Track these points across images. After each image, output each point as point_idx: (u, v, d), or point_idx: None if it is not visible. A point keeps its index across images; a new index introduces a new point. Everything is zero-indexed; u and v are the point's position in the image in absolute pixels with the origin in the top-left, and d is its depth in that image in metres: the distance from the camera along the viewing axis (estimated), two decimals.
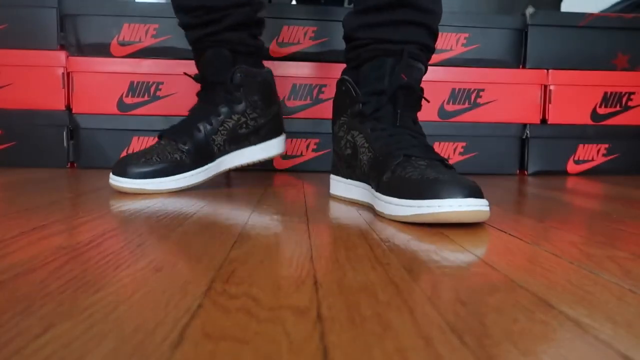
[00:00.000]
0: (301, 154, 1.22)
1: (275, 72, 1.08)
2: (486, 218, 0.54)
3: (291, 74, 1.20)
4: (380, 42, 0.69)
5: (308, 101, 1.21)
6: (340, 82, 0.73)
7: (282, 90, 1.19)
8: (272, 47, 1.21)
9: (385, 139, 0.66)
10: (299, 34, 1.21)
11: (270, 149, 0.88)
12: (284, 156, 1.21)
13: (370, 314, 0.29)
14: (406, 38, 0.68)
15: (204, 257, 0.41)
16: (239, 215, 0.61)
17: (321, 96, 1.21)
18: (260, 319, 0.28)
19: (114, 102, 1.18)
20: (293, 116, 1.21)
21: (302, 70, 1.20)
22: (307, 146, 1.22)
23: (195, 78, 0.86)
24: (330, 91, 1.20)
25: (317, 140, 1.22)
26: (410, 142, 0.64)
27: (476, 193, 0.54)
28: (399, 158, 0.61)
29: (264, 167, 1.20)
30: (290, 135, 1.19)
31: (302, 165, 1.22)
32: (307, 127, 1.21)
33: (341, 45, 0.77)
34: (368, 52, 0.70)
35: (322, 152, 1.22)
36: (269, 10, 1.18)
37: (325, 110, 1.21)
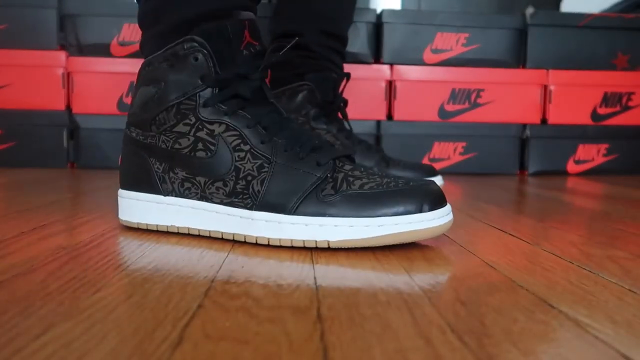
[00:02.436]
0: None
1: None
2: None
3: None
4: None
5: None
6: None
7: None
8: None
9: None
10: None
11: None
12: None
13: (370, 314, 0.29)
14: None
15: (205, 257, 0.41)
16: None
17: None
18: (260, 319, 0.28)
19: (114, 102, 1.18)
20: None
21: None
22: None
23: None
24: None
25: None
26: None
27: (443, 198, 0.46)
28: (327, 165, 0.47)
29: None
30: None
31: None
32: None
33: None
34: None
35: None
36: None
37: None
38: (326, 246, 0.43)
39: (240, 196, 0.45)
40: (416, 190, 0.44)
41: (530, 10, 1.24)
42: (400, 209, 0.43)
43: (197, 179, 0.47)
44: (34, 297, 0.31)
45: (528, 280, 0.36)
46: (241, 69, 0.47)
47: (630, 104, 1.28)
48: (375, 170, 0.48)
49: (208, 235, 0.47)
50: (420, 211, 0.43)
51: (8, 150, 1.17)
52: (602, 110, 1.27)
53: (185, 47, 0.47)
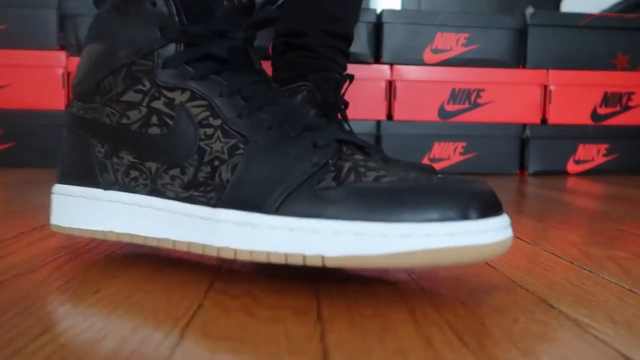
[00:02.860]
0: None
1: None
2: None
3: None
4: None
5: None
6: None
7: None
8: None
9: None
10: None
11: None
12: None
13: (371, 314, 0.29)
14: None
15: (206, 256, 0.41)
16: None
17: None
18: (260, 319, 0.28)
19: None
20: None
21: None
22: None
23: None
24: None
25: None
26: None
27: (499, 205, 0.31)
28: (325, 147, 0.35)
29: None
30: None
31: None
32: None
33: None
34: None
35: None
36: None
37: None
38: (319, 264, 0.29)
39: (202, 188, 0.33)
40: (458, 188, 0.30)
41: (530, 10, 1.24)
42: (435, 213, 0.28)
43: (147, 164, 0.35)
44: (34, 297, 0.31)
45: (528, 280, 0.36)
46: (218, 24, 0.36)
47: (630, 104, 1.28)
48: (393, 165, 0.35)
49: (156, 245, 0.35)
50: (466, 218, 0.29)
51: (8, 150, 1.17)
52: (602, 110, 1.27)
53: None
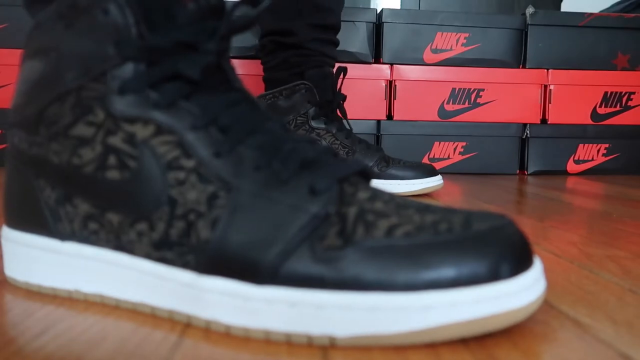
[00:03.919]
0: None
1: None
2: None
3: None
4: None
5: None
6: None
7: None
8: None
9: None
10: None
11: None
12: None
13: None
14: None
15: None
16: None
17: None
18: None
19: None
20: None
21: None
22: None
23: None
24: None
25: None
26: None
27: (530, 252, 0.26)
28: (321, 194, 0.27)
29: None
30: None
31: None
32: None
33: None
34: None
35: None
36: None
37: None
38: (328, 344, 0.25)
39: (177, 249, 0.27)
40: (486, 237, 0.25)
41: (530, 10, 1.24)
42: (460, 275, 0.24)
43: (108, 216, 0.28)
44: (34, 297, 0.31)
45: None
46: (185, 32, 0.28)
47: (630, 103, 1.28)
48: (401, 200, 0.28)
49: (132, 308, 0.29)
50: (497, 278, 0.24)
51: None
52: (602, 110, 1.27)
53: None
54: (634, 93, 1.27)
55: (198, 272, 0.26)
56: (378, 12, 1.23)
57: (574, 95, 1.26)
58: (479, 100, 1.23)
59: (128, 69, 0.28)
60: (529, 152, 1.25)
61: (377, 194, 0.28)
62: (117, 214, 0.28)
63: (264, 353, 0.24)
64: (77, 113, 0.29)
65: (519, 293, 0.24)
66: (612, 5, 1.54)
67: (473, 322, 0.24)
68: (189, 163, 0.27)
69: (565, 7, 1.88)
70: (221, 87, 0.30)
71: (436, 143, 1.23)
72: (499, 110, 1.24)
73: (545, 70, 1.24)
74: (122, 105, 0.28)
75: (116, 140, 0.28)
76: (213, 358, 0.23)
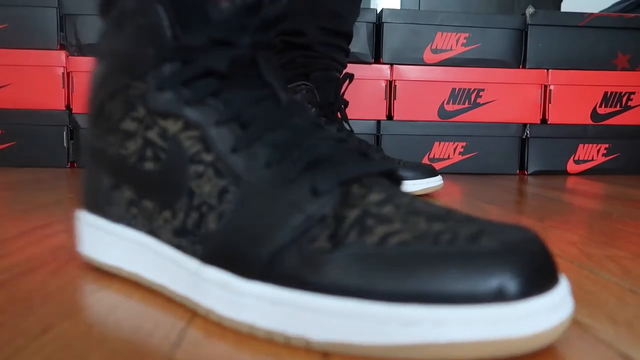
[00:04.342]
0: None
1: None
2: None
3: None
4: None
5: None
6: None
7: None
8: None
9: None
10: None
11: None
12: None
13: None
14: None
15: None
16: None
17: None
18: None
19: None
20: None
21: None
22: None
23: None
24: None
25: None
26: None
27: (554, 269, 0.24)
28: (321, 195, 0.26)
29: None
30: None
31: None
32: None
33: None
34: None
35: None
36: None
37: None
38: (304, 345, 0.24)
39: (190, 237, 0.28)
40: (493, 251, 0.22)
41: (530, 10, 1.24)
42: (454, 291, 0.22)
43: (144, 203, 0.31)
44: (34, 297, 0.31)
45: None
46: (217, 30, 0.29)
47: (630, 104, 1.28)
48: (426, 205, 0.26)
49: (160, 290, 0.31)
50: (501, 298, 0.21)
51: (8, 150, 1.17)
52: (602, 110, 1.27)
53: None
54: (634, 93, 1.27)
55: (203, 262, 0.28)
56: (378, 12, 1.23)
57: (574, 95, 1.26)
58: (479, 100, 1.23)
59: (165, 68, 0.30)
60: (529, 152, 1.25)
61: (393, 197, 0.26)
62: (151, 201, 0.31)
63: (264, 353, 0.24)
64: (124, 109, 0.31)
65: (527, 317, 0.21)
66: (612, 5, 1.54)
67: (463, 345, 0.21)
68: (208, 157, 0.28)
69: (565, 7, 1.88)
70: (250, 82, 0.30)
71: (436, 143, 1.23)
72: (499, 110, 1.24)
73: (545, 70, 1.24)
74: (158, 102, 0.30)
75: (152, 134, 0.30)
76: (213, 358, 0.23)
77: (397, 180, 0.30)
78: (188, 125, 0.29)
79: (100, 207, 0.34)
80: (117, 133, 0.32)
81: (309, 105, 0.82)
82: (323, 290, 0.23)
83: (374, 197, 0.26)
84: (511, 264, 0.22)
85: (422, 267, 0.22)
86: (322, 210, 0.25)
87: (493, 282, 0.21)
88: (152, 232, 0.31)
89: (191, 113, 0.29)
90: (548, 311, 0.22)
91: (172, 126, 0.29)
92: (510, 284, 0.21)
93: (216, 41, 0.29)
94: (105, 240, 0.34)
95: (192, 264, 0.28)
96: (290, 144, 0.28)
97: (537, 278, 0.22)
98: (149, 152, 0.30)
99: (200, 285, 0.27)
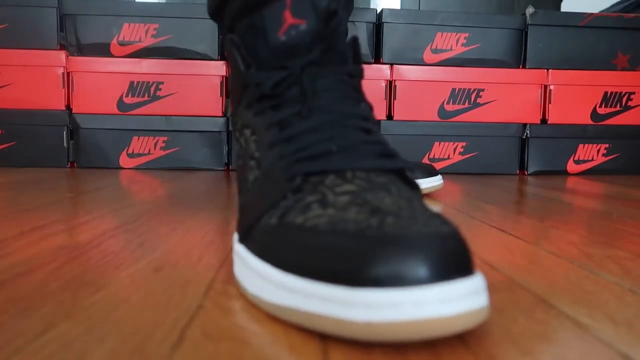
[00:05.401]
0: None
1: None
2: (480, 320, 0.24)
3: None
4: None
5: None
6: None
7: None
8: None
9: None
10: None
11: None
12: (130, 154, 1.20)
13: None
14: None
15: (204, 258, 0.41)
16: None
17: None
18: (260, 319, 0.28)
19: (114, 102, 1.18)
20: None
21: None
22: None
23: None
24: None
25: (165, 138, 1.20)
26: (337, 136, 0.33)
27: (458, 263, 0.24)
28: (293, 181, 0.31)
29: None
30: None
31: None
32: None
33: None
34: None
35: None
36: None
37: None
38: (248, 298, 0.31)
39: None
40: (415, 238, 0.24)
41: (530, 10, 1.24)
42: (331, 265, 0.24)
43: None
44: (34, 297, 0.31)
45: (528, 280, 0.36)
46: (275, 60, 0.37)
47: (630, 104, 1.28)
48: (399, 203, 0.28)
49: None
50: (404, 282, 0.23)
51: (8, 150, 1.17)
52: (602, 110, 1.27)
53: (228, 45, 0.39)
54: (634, 93, 1.27)
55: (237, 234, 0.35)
56: (378, 12, 1.23)
57: (574, 95, 1.26)
58: (479, 100, 1.23)
59: (248, 93, 0.38)
60: (529, 152, 1.25)
61: (365, 192, 0.29)
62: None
63: (265, 353, 0.24)
64: (239, 125, 0.39)
65: (436, 302, 0.22)
66: (612, 5, 1.54)
67: (323, 319, 0.24)
68: (257, 153, 0.36)
69: (565, 7, 1.88)
70: (294, 98, 0.36)
71: (436, 143, 1.23)
72: (499, 110, 1.24)
73: (545, 70, 1.24)
74: (243, 115, 0.38)
75: (242, 140, 0.39)
76: (213, 358, 0.24)
77: (408, 180, 0.33)
78: (253, 131, 0.37)
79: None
80: (240, 135, 0.40)
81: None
82: (254, 254, 0.30)
83: (347, 187, 0.30)
84: (421, 244, 0.23)
85: (320, 241, 0.26)
86: (279, 194, 0.31)
87: (407, 266, 0.23)
88: None
89: (254, 121, 0.37)
90: (458, 298, 0.23)
91: (247, 132, 0.38)
92: (422, 269, 0.23)
93: (274, 67, 0.37)
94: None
95: (235, 237, 0.36)
96: (303, 144, 0.33)
97: (452, 266, 0.23)
98: (241, 153, 0.39)
99: (235, 255, 0.34)
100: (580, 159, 1.27)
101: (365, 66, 1.20)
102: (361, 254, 0.24)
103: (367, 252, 0.24)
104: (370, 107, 0.38)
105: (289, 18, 0.37)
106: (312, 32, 0.37)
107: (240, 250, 0.33)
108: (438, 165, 1.21)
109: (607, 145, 1.28)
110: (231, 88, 0.41)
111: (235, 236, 0.35)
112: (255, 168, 0.35)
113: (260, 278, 0.28)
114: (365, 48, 1.21)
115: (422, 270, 0.23)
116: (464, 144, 1.24)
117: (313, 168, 0.32)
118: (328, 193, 0.30)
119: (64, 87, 1.17)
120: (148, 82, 1.18)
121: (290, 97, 0.36)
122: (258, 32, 0.37)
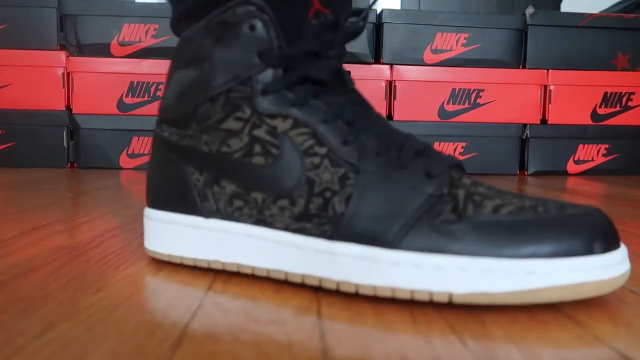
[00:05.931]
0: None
1: None
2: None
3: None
4: None
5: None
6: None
7: None
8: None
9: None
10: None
11: None
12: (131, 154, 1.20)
13: (370, 314, 0.29)
14: None
15: None
16: None
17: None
18: (260, 319, 0.28)
19: (114, 102, 1.18)
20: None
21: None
22: None
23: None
24: None
25: None
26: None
27: (616, 234, 0.31)
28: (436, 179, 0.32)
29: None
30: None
31: None
32: None
33: None
34: None
35: None
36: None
37: None
38: (446, 300, 0.29)
39: (315, 220, 0.32)
40: (580, 219, 0.30)
41: (530, 10, 1.24)
42: (559, 248, 0.29)
43: (252, 195, 0.34)
44: (34, 297, 0.31)
45: None
46: (311, 43, 0.34)
47: (630, 104, 1.28)
48: (498, 188, 0.33)
49: (266, 275, 0.34)
50: (591, 252, 0.29)
51: (8, 150, 1.17)
52: (602, 110, 1.27)
53: (238, 12, 0.34)
54: (634, 93, 1.27)
55: (332, 240, 0.32)
56: (378, 12, 1.24)
57: (574, 96, 1.26)
58: (479, 100, 1.23)
59: (269, 74, 0.34)
60: (529, 152, 1.25)
61: (477, 181, 0.33)
62: (262, 192, 0.34)
63: (265, 352, 0.24)
64: (227, 110, 0.35)
65: (608, 267, 0.29)
66: (612, 6, 1.54)
67: (569, 288, 0.28)
68: (322, 150, 0.33)
69: (565, 7, 1.88)
70: (341, 88, 0.35)
71: (436, 143, 1.23)
72: (499, 111, 1.24)
73: (545, 70, 1.24)
74: (265, 103, 0.34)
75: (261, 132, 0.34)
76: (213, 358, 0.24)
77: (464, 170, 0.36)
78: (297, 123, 0.33)
79: (186, 205, 0.37)
80: (216, 132, 0.35)
81: None
82: (461, 253, 0.29)
83: (466, 180, 0.33)
84: (595, 227, 0.30)
85: (533, 230, 0.29)
86: (440, 189, 0.31)
87: (585, 240, 0.29)
88: (262, 221, 0.34)
89: (298, 113, 0.34)
90: (619, 263, 0.29)
91: (282, 124, 0.34)
92: (597, 242, 0.29)
93: (310, 53, 0.34)
94: (193, 235, 0.36)
95: (320, 243, 0.32)
96: (388, 138, 0.33)
97: (611, 239, 0.30)
98: (257, 148, 0.34)
99: (330, 260, 0.32)
100: (580, 159, 1.27)
101: (365, 66, 1.21)
102: (585, 231, 0.29)
103: (586, 229, 0.29)
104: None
105: (316, 1, 0.35)
106: (333, 23, 0.35)
107: (407, 259, 0.30)
108: None
109: (607, 146, 1.28)
110: (217, 62, 0.35)
111: (371, 251, 0.31)
112: (331, 167, 0.32)
113: (482, 272, 0.29)
114: (365, 48, 1.21)
115: (607, 241, 0.30)
116: (464, 144, 1.24)
117: (450, 163, 0.33)
118: (464, 185, 0.32)
119: (64, 87, 1.17)
120: (148, 83, 1.18)
121: (336, 89, 0.35)
122: (289, 5, 0.35)
